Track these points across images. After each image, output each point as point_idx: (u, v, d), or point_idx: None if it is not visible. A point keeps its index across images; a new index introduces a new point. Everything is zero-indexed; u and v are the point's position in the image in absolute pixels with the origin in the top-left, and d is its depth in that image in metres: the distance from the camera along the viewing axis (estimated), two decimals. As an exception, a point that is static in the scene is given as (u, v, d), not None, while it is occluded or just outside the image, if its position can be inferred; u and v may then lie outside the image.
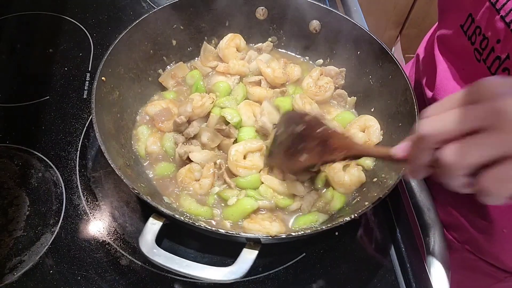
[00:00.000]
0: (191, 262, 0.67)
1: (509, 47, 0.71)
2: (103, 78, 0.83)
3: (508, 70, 0.72)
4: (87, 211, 0.86)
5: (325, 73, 1.08)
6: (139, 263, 0.80)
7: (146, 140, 0.92)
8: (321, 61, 1.13)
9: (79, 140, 0.96)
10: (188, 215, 0.82)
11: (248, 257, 0.68)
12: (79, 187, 0.89)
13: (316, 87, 1.05)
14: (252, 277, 0.81)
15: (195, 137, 0.92)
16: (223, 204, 0.86)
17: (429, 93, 0.96)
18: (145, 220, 0.84)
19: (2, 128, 0.96)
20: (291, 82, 1.08)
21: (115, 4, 1.29)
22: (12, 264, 0.77)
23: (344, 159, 0.75)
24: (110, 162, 0.71)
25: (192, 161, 0.88)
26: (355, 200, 0.87)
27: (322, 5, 1.05)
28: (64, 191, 0.88)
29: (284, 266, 0.83)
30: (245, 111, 0.96)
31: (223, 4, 1.07)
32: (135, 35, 0.94)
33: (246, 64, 1.06)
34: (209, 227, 0.68)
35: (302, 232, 0.70)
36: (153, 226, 0.69)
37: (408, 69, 1.20)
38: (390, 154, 0.63)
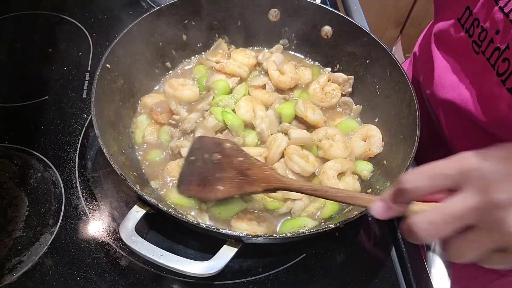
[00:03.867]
0: (167, 253, 0.67)
1: (509, 37, 0.71)
2: (107, 65, 0.85)
3: (508, 60, 0.72)
4: (87, 211, 0.85)
5: (333, 79, 1.07)
6: (139, 263, 0.79)
7: (145, 129, 0.94)
8: (329, 68, 1.12)
9: (78, 140, 0.96)
10: (173, 206, 0.83)
11: (226, 253, 0.68)
12: (79, 187, 0.88)
13: (322, 93, 1.04)
14: (252, 278, 0.81)
15: (191, 132, 0.93)
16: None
17: (427, 91, 0.96)
18: (145, 220, 0.85)
19: (1, 128, 0.96)
20: (302, 85, 1.08)
21: (114, 4, 1.29)
22: (11, 264, 0.77)
23: (264, 191, 0.73)
24: (102, 147, 0.72)
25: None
26: (346, 209, 0.85)
27: (335, 11, 1.05)
28: (63, 191, 0.88)
29: (284, 266, 0.82)
30: (245, 104, 0.96)
31: (236, 4, 1.07)
32: (146, 25, 0.95)
33: (243, 67, 1.05)
34: (190, 220, 0.69)
35: (283, 235, 0.69)
36: (136, 213, 0.70)
37: (405, 67, 1.20)
38: (363, 205, 0.61)
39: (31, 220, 0.83)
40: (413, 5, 2.31)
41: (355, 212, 0.74)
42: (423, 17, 2.34)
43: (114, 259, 0.80)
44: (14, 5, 1.24)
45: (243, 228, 0.79)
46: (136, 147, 0.93)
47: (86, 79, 1.08)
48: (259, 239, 0.69)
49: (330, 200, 0.72)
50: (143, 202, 0.71)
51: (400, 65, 0.92)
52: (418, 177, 0.51)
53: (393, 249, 0.87)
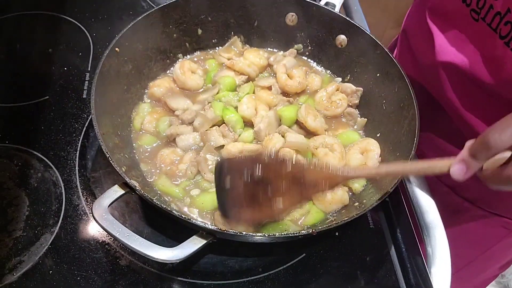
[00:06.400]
0: (134, 234, 0.68)
1: (509, 1, 0.73)
2: (116, 49, 0.86)
3: (511, 22, 0.73)
4: (87, 211, 0.85)
5: (342, 89, 1.07)
6: (139, 263, 0.80)
7: (144, 117, 0.96)
8: (340, 78, 1.12)
9: (79, 140, 0.96)
10: (159, 192, 0.85)
11: (193, 243, 0.69)
12: (79, 187, 0.88)
13: (329, 102, 1.04)
14: (252, 278, 0.81)
15: (189, 123, 0.95)
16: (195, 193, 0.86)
17: (427, 59, 0.95)
18: (146, 220, 0.85)
19: (1, 128, 0.96)
20: (310, 91, 1.08)
21: (115, 4, 1.29)
22: (11, 264, 0.77)
23: (330, 188, 0.70)
24: (94, 124, 0.75)
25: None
26: (330, 219, 0.85)
27: (352, 21, 1.05)
28: (63, 191, 0.88)
29: (284, 266, 0.82)
30: (247, 101, 0.97)
31: (255, 4, 1.08)
32: (162, 16, 0.97)
33: (253, 66, 1.06)
34: (162, 205, 0.70)
35: (253, 234, 0.70)
36: (114, 193, 0.71)
37: (393, 47, 1.20)
38: (446, 171, 0.60)
39: (31, 220, 0.83)
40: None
41: (352, 214, 0.74)
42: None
43: (114, 259, 0.80)
44: (14, 5, 1.24)
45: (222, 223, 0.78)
46: (133, 132, 0.94)
47: (86, 79, 1.08)
48: (227, 234, 0.69)
49: (405, 174, 0.73)
50: (124, 184, 0.72)
51: (408, 82, 0.92)
52: (504, 133, 0.53)
53: (393, 249, 0.87)
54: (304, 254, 0.84)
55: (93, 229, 0.83)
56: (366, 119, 1.04)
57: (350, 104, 1.06)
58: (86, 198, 0.87)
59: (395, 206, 0.92)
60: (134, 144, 0.93)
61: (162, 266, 0.80)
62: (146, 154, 0.92)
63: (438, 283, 0.81)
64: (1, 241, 0.80)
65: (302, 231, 0.71)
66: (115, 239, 0.68)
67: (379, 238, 0.89)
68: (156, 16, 0.96)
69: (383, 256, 0.86)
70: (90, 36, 1.18)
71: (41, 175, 0.89)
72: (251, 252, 0.84)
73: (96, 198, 0.87)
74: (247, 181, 0.69)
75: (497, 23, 0.76)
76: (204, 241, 0.69)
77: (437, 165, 0.62)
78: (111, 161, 0.72)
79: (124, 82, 0.93)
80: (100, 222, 0.68)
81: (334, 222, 0.75)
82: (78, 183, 0.89)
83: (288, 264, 0.83)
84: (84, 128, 0.98)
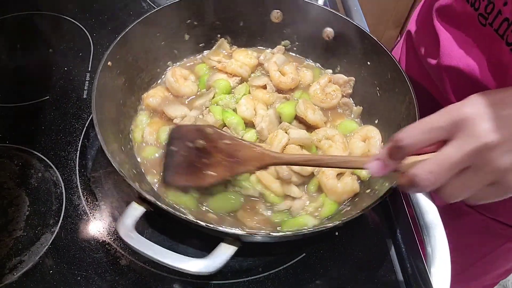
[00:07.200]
0: (165, 250, 0.66)
1: None
2: (109, 63, 0.85)
3: None
4: (87, 211, 0.85)
5: (334, 80, 1.07)
6: (139, 263, 0.80)
7: (144, 128, 0.95)
8: (330, 70, 1.13)
9: (79, 140, 0.96)
10: (172, 203, 0.83)
11: (223, 251, 0.68)
12: (79, 187, 0.89)
13: (323, 94, 1.05)
14: (252, 277, 0.81)
15: None
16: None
17: (432, 61, 0.95)
18: (146, 220, 0.85)
19: (1, 128, 0.96)
20: (303, 86, 1.08)
21: (115, 4, 1.29)
22: (12, 264, 0.77)
23: (257, 169, 0.74)
24: (102, 144, 0.72)
25: None
26: (345, 209, 0.86)
27: (337, 13, 1.05)
28: (64, 191, 0.88)
29: (284, 266, 0.83)
30: (246, 102, 0.97)
31: (239, 4, 1.07)
32: (148, 25, 0.95)
33: (245, 67, 1.06)
34: (190, 218, 0.68)
35: (283, 233, 0.70)
36: (135, 211, 0.69)
37: (398, 48, 1.20)
38: (362, 167, 0.63)
39: (31, 220, 0.83)
40: (412, 5, 2.31)
41: (353, 213, 0.75)
42: (423, 17, 2.34)
43: (114, 259, 0.80)
44: (14, 5, 1.24)
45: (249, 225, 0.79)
46: (136, 146, 0.93)
47: (86, 79, 1.08)
48: (257, 237, 0.69)
49: (325, 167, 0.76)
50: (141, 200, 0.71)
51: (400, 67, 0.92)
52: (413, 133, 0.56)
53: (393, 249, 0.87)
54: (304, 254, 0.85)
55: (93, 229, 0.83)
56: (361, 107, 1.05)
57: (344, 94, 1.07)
58: (86, 198, 0.87)
59: (395, 206, 0.92)
60: (138, 158, 0.91)
61: (162, 266, 0.79)
62: (151, 165, 0.90)
63: (438, 283, 0.81)
64: (1, 241, 0.80)
65: (329, 224, 0.71)
66: (150, 259, 0.66)
67: (379, 238, 0.89)
68: (142, 25, 0.94)
69: (383, 256, 0.86)
70: (90, 36, 1.18)
71: (42, 175, 0.90)
72: (251, 251, 0.84)
73: (96, 199, 0.87)
74: (188, 148, 0.77)
75: (505, 29, 0.75)
76: (233, 248, 0.68)
77: (357, 160, 0.68)
78: (127, 180, 0.70)
79: (120, 97, 0.91)
80: (129, 243, 0.66)
81: (348, 214, 0.75)
82: (78, 183, 0.89)
83: (288, 264, 0.83)
84: (84, 128, 0.98)
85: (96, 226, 0.84)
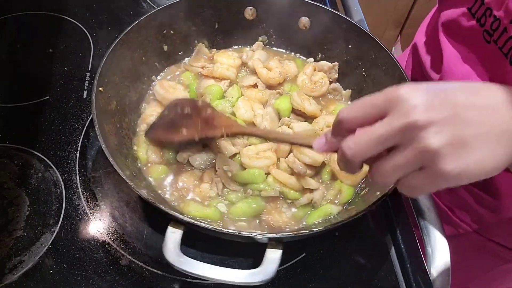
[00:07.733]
0: (215, 266, 0.66)
1: None
2: (100, 88, 0.83)
3: None
4: (87, 211, 0.85)
5: (318, 68, 1.08)
6: (139, 263, 0.80)
7: (147, 148, 0.91)
8: (312, 59, 1.13)
9: (79, 140, 0.96)
10: (203, 220, 0.80)
11: (272, 257, 0.67)
12: (79, 187, 0.89)
13: (312, 83, 1.05)
14: (252, 277, 0.81)
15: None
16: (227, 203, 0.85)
17: (435, 76, 0.95)
18: (146, 220, 0.85)
19: (1, 128, 0.96)
20: (290, 78, 1.08)
21: (115, 4, 1.29)
22: (12, 264, 0.77)
23: (223, 135, 0.83)
24: (126, 180, 0.70)
25: (192, 166, 0.89)
26: (364, 191, 0.87)
27: (310, 1, 1.05)
28: (64, 191, 0.88)
29: (284, 266, 0.83)
30: (243, 104, 0.96)
31: (211, 7, 1.07)
32: (125, 44, 0.92)
33: (231, 69, 1.05)
34: (231, 231, 0.68)
35: (323, 227, 0.71)
36: (174, 234, 0.69)
37: (404, 60, 1.20)
38: (310, 145, 0.66)
39: (31, 220, 0.83)
40: (412, 5, 2.31)
41: (377, 193, 0.76)
42: (423, 17, 2.34)
43: (114, 259, 0.80)
44: (14, 5, 1.24)
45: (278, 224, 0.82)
46: (143, 166, 0.89)
47: (86, 79, 1.08)
48: (302, 233, 0.69)
49: (279, 142, 0.87)
50: (178, 222, 0.69)
51: (384, 46, 0.93)
52: (352, 109, 0.56)
53: (393, 249, 0.87)
54: (304, 254, 0.85)
55: (93, 229, 0.83)
56: (350, 90, 1.05)
57: (331, 79, 1.07)
58: (86, 198, 0.87)
59: (395, 206, 0.92)
60: (150, 178, 0.88)
61: (162, 266, 0.80)
62: (164, 186, 0.87)
63: (438, 283, 0.81)
64: (1, 241, 0.80)
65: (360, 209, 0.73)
66: (205, 279, 0.66)
67: (379, 238, 0.89)
68: (122, 44, 0.91)
69: (383, 256, 0.86)
70: (90, 36, 1.18)
71: (42, 175, 0.90)
72: (251, 251, 0.84)
73: (96, 199, 0.87)
74: (176, 113, 0.87)
75: (509, 48, 0.74)
76: (279, 251, 0.68)
77: (305, 137, 0.74)
78: (161, 207, 0.69)
79: (116, 120, 0.88)
80: (181, 268, 0.65)
81: (374, 196, 0.76)
82: (78, 183, 0.89)
83: (288, 264, 0.83)
84: (85, 128, 0.98)
85: (96, 226, 0.84)
